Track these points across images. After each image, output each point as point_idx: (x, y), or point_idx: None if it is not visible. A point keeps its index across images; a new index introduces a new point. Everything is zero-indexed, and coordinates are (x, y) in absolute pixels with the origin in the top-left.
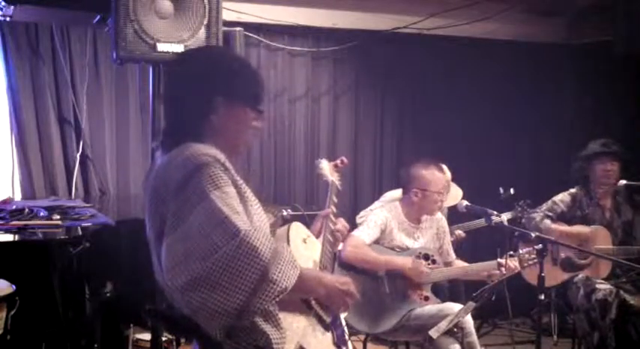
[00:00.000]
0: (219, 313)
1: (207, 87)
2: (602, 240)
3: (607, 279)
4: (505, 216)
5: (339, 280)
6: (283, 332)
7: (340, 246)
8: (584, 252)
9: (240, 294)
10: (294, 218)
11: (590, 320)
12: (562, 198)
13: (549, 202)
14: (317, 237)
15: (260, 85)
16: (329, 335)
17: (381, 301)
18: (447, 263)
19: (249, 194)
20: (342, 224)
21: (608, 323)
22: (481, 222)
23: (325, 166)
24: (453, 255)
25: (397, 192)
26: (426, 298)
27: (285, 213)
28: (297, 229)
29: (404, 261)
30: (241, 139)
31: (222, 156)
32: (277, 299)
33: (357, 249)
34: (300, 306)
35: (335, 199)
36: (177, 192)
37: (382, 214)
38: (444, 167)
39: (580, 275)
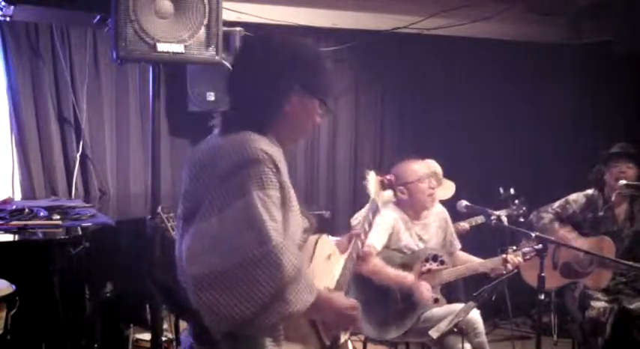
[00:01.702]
0: (226, 318)
1: (289, 76)
2: (607, 251)
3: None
4: (504, 215)
5: (349, 304)
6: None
7: None
8: (585, 254)
9: (252, 305)
10: None
11: (583, 333)
12: (576, 198)
13: (562, 201)
14: (341, 253)
15: (331, 80)
16: None
17: (391, 305)
18: (451, 254)
19: (293, 198)
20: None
21: (601, 344)
22: (480, 217)
23: (372, 180)
24: (457, 245)
25: (390, 193)
26: (436, 300)
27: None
28: (324, 244)
29: (412, 282)
30: (304, 132)
31: (278, 155)
32: (286, 320)
33: (372, 264)
34: (301, 325)
35: (371, 218)
36: (223, 180)
37: (390, 216)
38: (431, 161)
39: (578, 285)
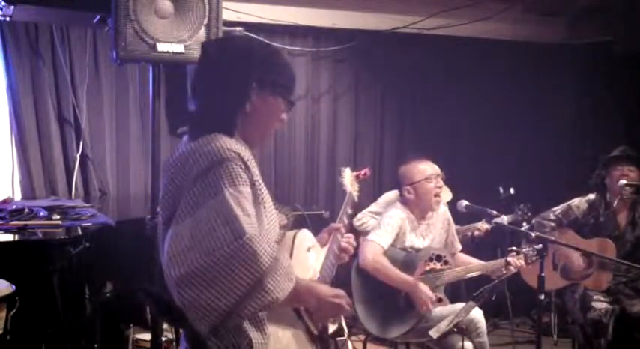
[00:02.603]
0: (208, 311)
1: (245, 74)
2: (607, 252)
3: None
4: (505, 219)
5: (333, 292)
6: (267, 337)
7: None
8: (585, 255)
9: (232, 296)
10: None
11: (585, 335)
12: (579, 204)
13: (565, 206)
14: (322, 246)
15: (291, 75)
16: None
17: (395, 304)
18: (452, 255)
19: (264, 194)
20: (350, 241)
21: (604, 345)
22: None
23: (347, 175)
24: (457, 247)
25: (393, 194)
26: (440, 300)
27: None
28: (303, 237)
29: (415, 285)
30: (269, 130)
31: (246, 153)
32: (267, 309)
33: (376, 262)
34: (288, 315)
35: (349, 211)
36: (194, 183)
37: (397, 216)
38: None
39: (579, 286)
